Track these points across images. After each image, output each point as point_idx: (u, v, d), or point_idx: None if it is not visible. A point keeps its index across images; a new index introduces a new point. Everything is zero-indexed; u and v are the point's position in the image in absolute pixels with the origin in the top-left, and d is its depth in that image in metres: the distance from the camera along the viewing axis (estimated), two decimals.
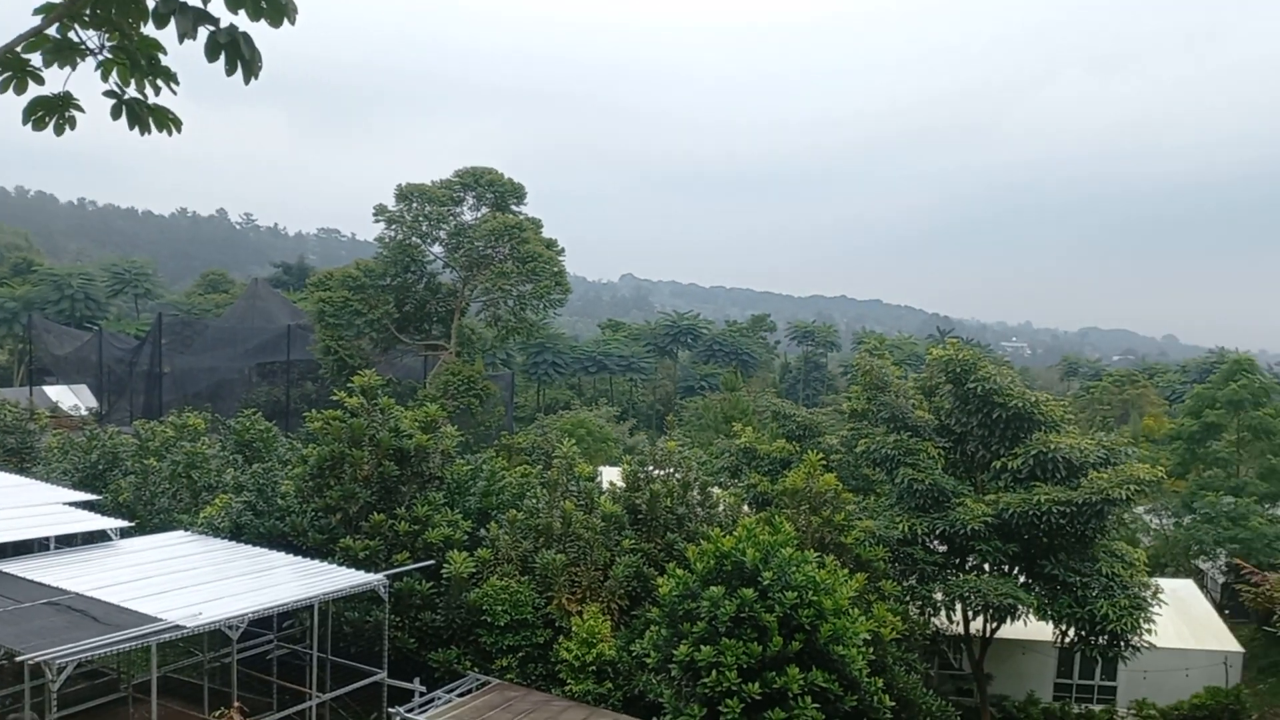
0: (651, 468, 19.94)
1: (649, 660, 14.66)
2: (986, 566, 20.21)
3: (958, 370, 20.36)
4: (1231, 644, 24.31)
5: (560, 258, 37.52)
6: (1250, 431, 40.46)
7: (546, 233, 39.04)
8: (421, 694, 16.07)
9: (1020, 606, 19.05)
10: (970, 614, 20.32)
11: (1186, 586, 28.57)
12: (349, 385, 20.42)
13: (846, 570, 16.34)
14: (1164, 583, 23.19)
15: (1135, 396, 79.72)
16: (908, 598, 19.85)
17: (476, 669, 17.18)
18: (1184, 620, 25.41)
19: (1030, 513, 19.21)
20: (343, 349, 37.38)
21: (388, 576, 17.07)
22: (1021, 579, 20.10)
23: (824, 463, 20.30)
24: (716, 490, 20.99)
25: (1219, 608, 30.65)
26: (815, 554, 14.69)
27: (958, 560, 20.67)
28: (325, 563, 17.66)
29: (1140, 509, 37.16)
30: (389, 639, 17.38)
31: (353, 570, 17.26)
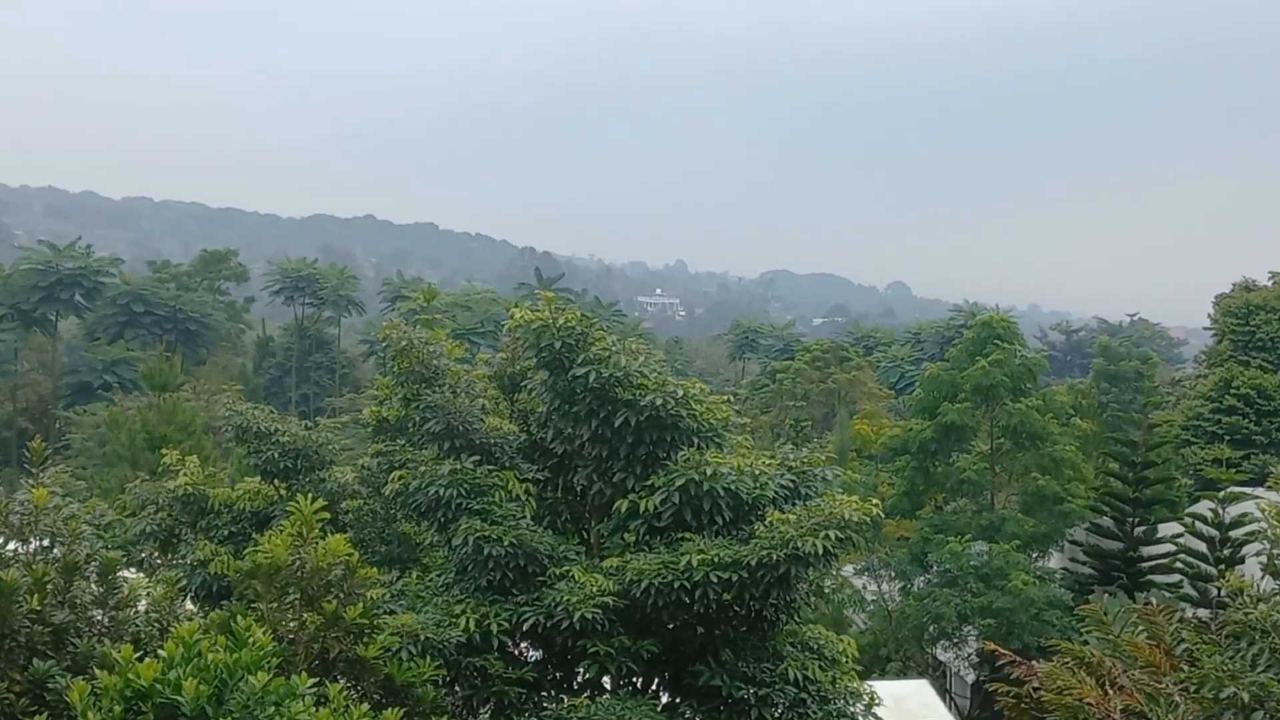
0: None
1: None
2: (608, 681, 18.61)
3: (556, 345, 18.11)
4: None
5: None
6: (1009, 436, 41.80)
7: None
8: None
9: None
10: None
11: (919, 691, 28.78)
12: None
13: (368, 706, 13.88)
14: (885, 687, 22.69)
15: (845, 383, 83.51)
16: None
17: None
18: None
19: (675, 585, 17.34)
20: None
21: None
22: (664, 697, 18.65)
23: (328, 516, 17.42)
24: (132, 575, 17.62)
25: None
26: (312, 680, 12.05)
27: (560, 674, 18.89)
28: None
29: (849, 568, 37.23)
30: None
31: None
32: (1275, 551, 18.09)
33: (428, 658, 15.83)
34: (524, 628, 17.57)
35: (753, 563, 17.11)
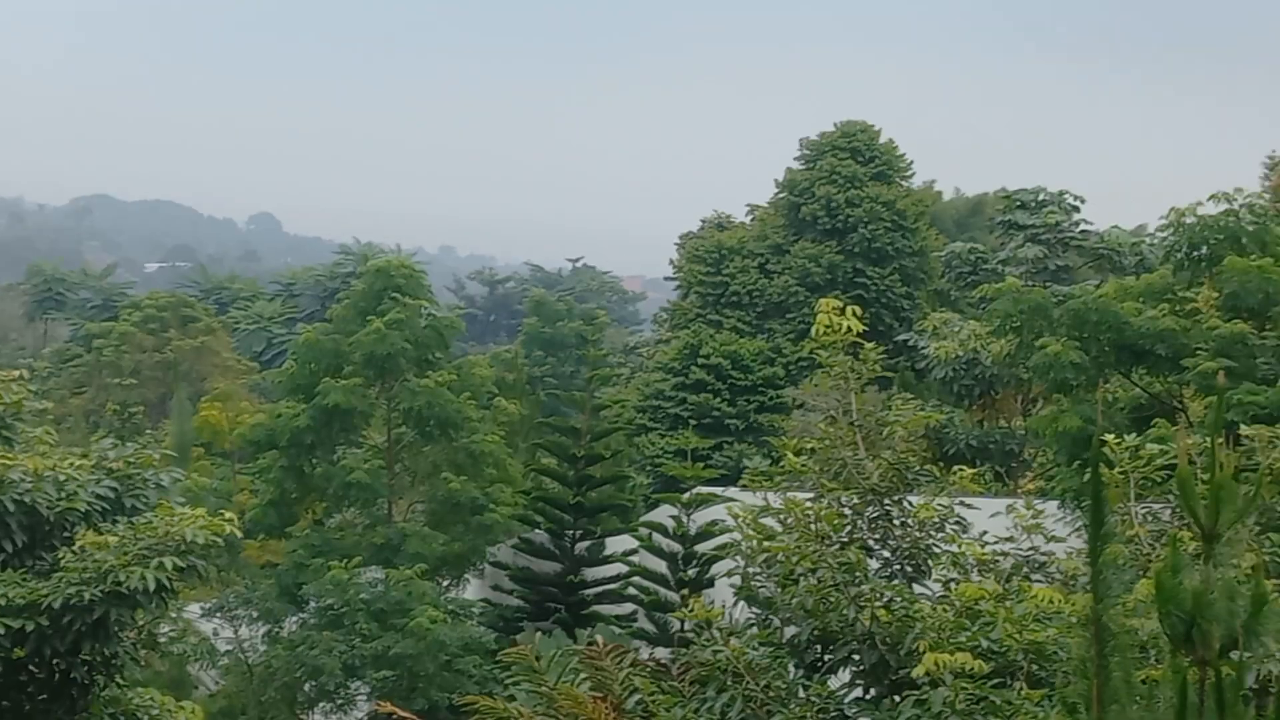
0: None
1: None
2: None
3: None
4: None
5: None
6: (412, 424, 42.24)
7: None
8: None
9: None
10: None
11: None
12: None
13: None
14: None
15: (190, 353, 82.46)
16: None
17: None
18: None
19: None
20: None
21: None
22: None
23: None
24: None
25: None
26: None
27: None
28: None
29: (194, 608, 36.60)
30: None
31: None
32: (751, 570, 19.39)
33: None
34: None
35: (56, 604, 17.36)
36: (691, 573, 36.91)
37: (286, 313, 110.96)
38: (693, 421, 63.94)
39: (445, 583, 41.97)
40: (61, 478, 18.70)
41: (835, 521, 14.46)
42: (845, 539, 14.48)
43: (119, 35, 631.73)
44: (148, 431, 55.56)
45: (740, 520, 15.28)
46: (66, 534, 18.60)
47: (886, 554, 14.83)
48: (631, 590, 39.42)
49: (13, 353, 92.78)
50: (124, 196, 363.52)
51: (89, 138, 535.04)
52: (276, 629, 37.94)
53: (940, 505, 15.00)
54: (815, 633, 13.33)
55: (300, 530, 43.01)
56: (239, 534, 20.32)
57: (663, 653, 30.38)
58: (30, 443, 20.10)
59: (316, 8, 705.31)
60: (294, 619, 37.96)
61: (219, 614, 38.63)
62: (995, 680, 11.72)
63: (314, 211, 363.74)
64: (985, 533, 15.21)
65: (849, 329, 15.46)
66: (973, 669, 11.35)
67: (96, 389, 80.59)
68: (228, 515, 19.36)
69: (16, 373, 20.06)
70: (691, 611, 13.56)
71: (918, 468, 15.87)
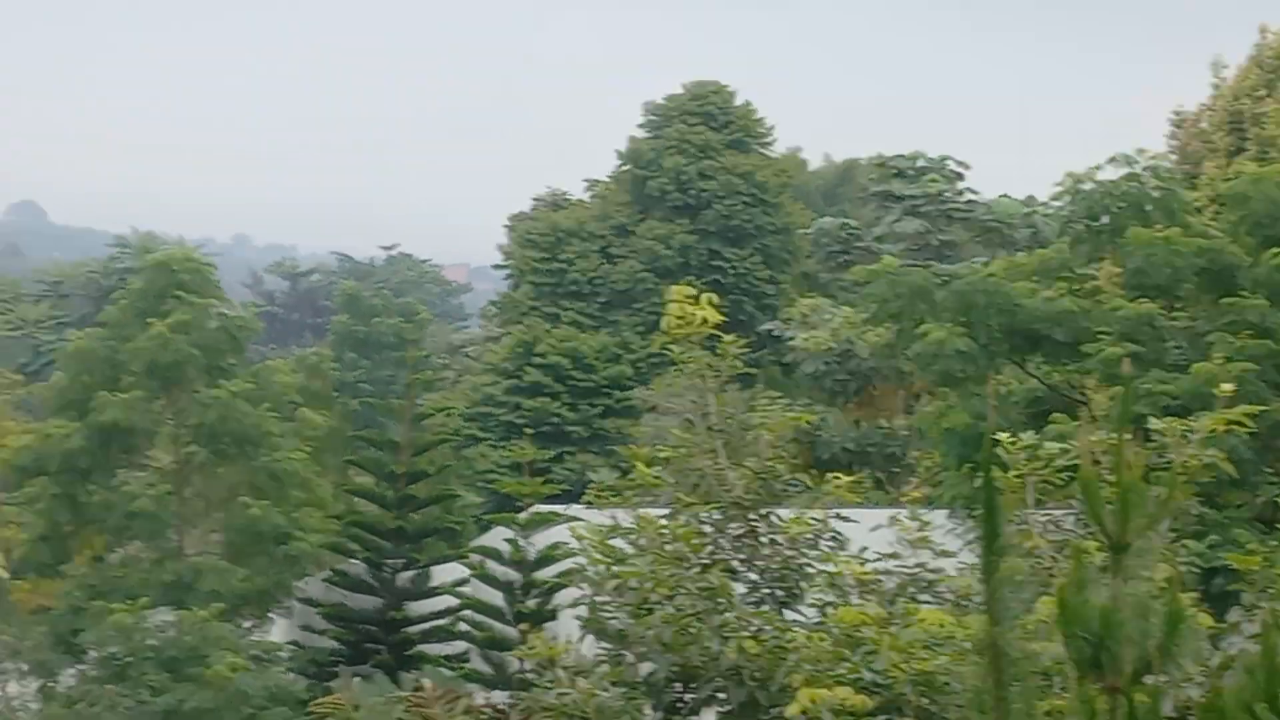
0: None
1: None
2: None
3: None
4: None
5: None
6: (204, 441, 41.40)
7: None
8: None
9: None
10: None
11: None
12: None
13: None
14: None
15: None
16: None
17: None
18: None
19: None
20: None
21: None
22: None
23: None
24: None
25: None
26: None
27: None
28: None
29: None
30: None
31: None
32: (600, 599, 18.98)
33: None
34: None
35: None
36: (531, 604, 36.43)
37: (55, 316, 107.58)
38: (529, 430, 62.70)
39: (247, 624, 41.00)
40: None
41: (694, 541, 14.20)
42: (706, 560, 14.21)
43: None
44: None
45: (586, 542, 15.02)
46: None
47: (754, 576, 14.55)
48: (463, 626, 38.76)
49: None
50: None
51: None
52: (51, 683, 36.78)
53: (813, 519, 14.81)
54: (674, 669, 13.13)
55: (76, 568, 41.86)
56: (5, 574, 19.75)
57: (500, 697, 29.86)
58: None
59: None
60: (71, 671, 36.93)
61: None
62: (880, 716, 11.61)
63: (87, 197, 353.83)
64: (865, 549, 14.98)
65: (705, 319, 15.21)
66: (854, 705, 11.24)
67: None
68: None
69: None
70: (532, 649, 13.35)
71: (787, 477, 15.62)
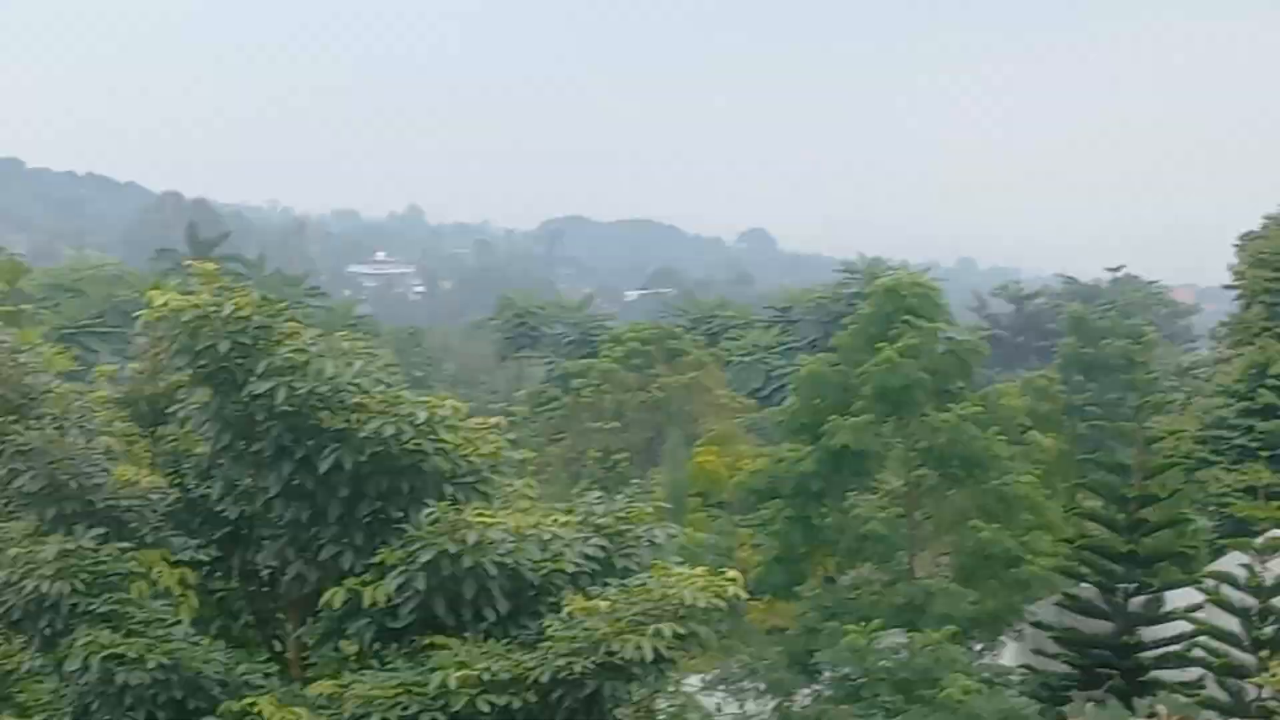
0: None
1: None
2: None
3: (223, 348, 18.85)
4: None
5: None
6: (933, 465, 42.31)
7: None
8: None
9: None
10: None
11: None
12: None
13: None
14: None
15: (679, 390, 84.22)
16: None
17: None
18: None
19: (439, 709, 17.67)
20: None
21: None
22: None
23: None
24: None
25: None
26: None
27: None
28: None
29: (694, 679, 37.88)
30: None
31: None
32: None
33: None
34: None
35: (544, 678, 17.54)
36: (1269, 630, 35.94)
37: (784, 341, 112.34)
38: (1264, 453, 61.69)
39: (978, 647, 41.64)
40: (546, 536, 19.08)
41: None
42: None
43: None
44: (634, 481, 57.14)
45: None
46: (552, 599, 18.95)
47: None
48: (1198, 652, 38.58)
49: (483, 396, 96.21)
50: (598, 217, 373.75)
51: (556, 152, 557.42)
52: (787, 702, 38.37)
53: None
54: None
55: (810, 589, 43.38)
56: (743, 595, 20.84)
57: None
58: (510, 497, 20.46)
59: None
60: (806, 691, 38.05)
61: (722, 686, 39.34)
62: None
63: (812, 225, 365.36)
64: None
65: None
66: None
67: (576, 434, 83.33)
68: (730, 574, 19.49)
69: (493, 420, 20.58)
70: (1272, 676, 13.21)
71: None
